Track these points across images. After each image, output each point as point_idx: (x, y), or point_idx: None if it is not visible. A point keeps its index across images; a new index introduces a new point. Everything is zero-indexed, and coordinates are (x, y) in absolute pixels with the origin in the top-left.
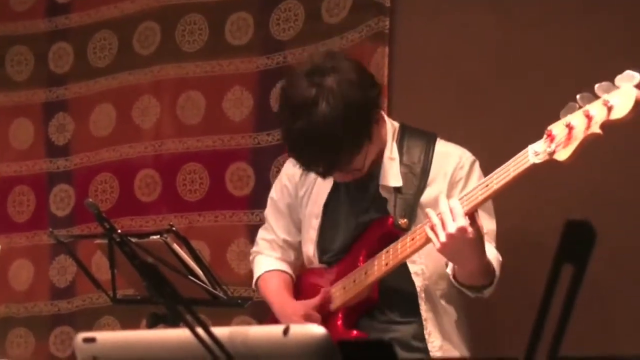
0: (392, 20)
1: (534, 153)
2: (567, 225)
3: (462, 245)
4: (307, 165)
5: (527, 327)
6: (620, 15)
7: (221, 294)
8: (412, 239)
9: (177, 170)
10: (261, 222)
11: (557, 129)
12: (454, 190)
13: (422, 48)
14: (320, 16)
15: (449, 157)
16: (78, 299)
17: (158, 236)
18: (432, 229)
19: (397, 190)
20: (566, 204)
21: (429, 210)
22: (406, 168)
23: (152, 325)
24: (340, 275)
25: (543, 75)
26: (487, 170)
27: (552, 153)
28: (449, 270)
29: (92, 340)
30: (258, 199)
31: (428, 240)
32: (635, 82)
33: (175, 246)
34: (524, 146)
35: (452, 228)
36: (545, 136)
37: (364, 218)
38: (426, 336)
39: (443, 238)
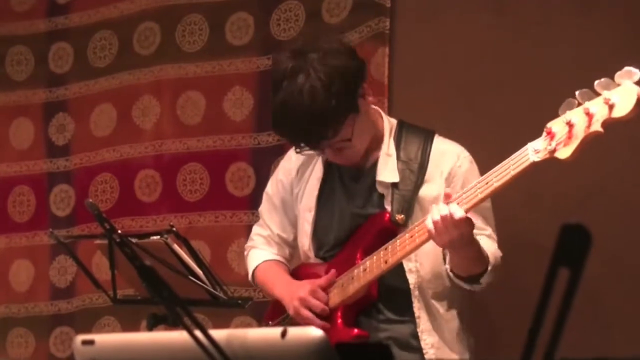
0: (392, 20)
1: (534, 151)
2: (562, 229)
3: (453, 229)
4: (293, 138)
5: (524, 330)
6: (618, 15)
7: (221, 295)
8: (411, 237)
9: (178, 171)
10: None
11: (557, 126)
12: (452, 189)
13: (422, 48)
14: (320, 16)
15: (447, 155)
16: (78, 299)
17: (158, 236)
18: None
19: (394, 185)
20: (561, 207)
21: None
22: (403, 164)
23: (152, 326)
24: (337, 271)
25: (542, 75)
26: (485, 168)
27: (552, 151)
28: (446, 264)
29: (91, 342)
30: (258, 199)
31: (427, 238)
32: (636, 78)
33: (176, 246)
34: (522, 145)
35: (445, 210)
36: (544, 134)
37: (359, 212)
38: (419, 334)
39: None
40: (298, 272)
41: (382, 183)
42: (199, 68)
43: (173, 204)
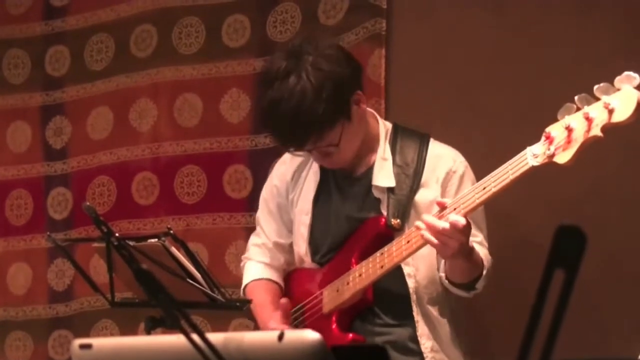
0: (388, 22)
1: (533, 155)
2: (558, 230)
3: (461, 236)
4: (278, 137)
5: (519, 332)
6: (616, 14)
7: (219, 297)
8: (408, 242)
9: (175, 173)
10: None
11: (556, 130)
12: (447, 194)
13: (419, 49)
14: (316, 18)
15: (442, 159)
16: (76, 302)
17: (156, 239)
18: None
19: (390, 190)
20: (557, 209)
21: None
22: (399, 169)
23: (149, 329)
24: (333, 276)
25: (540, 75)
26: (482, 168)
27: (551, 156)
28: (441, 272)
29: (88, 346)
30: (256, 201)
31: (424, 243)
32: (635, 83)
33: (173, 249)
34: (520, 147)
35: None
36: (543, 138)
37: (355, 216)
38: (419, 338)
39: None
40: (293, 276)
41: (378, 187)
42: (195, 70)
43: (170, 207)
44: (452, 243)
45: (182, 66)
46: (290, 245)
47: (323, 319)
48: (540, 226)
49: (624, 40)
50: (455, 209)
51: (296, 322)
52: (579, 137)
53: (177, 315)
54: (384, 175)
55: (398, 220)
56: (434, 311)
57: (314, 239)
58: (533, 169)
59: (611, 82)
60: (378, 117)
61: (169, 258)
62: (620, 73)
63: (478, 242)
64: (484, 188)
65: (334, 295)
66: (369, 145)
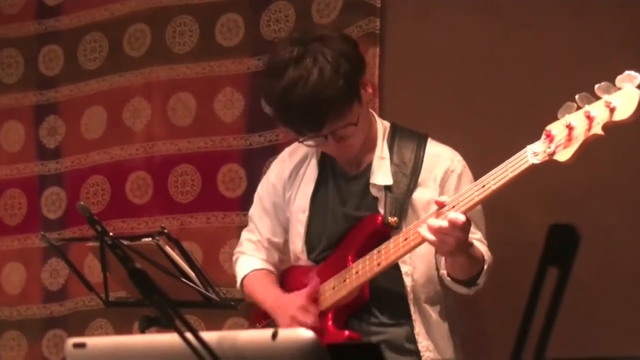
0: (382, 20)
1: (533, 153)
2: (551, 228)
3: (460, 233)
4: (298, 122)
5: (513, 329)
6: (611, 14)
7: (214, 296)
8: (405, 239)
9: (169, 172)
10: None
11: (556, 129)
12: (445, 193)
13: (413, 48)
14: (310, 17)
15: (440, 159)
16: (70, 301)
17: (150, 238)
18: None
19: (387, 188)
20: (554, 207)
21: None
22: (397, 167)
23: (144, 328)
24: (329, 273)
25: (534, 74)
26: (478, 167)
27: (552, 154)
28: (442, 269)
29: (82, 345)
30: (250, 200)
31: (421, 241)
32: (637, 82)
33: (167, 248)
34: (515, 145)
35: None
36: (544, 136)
37: (352, 214)
38: (416, 337)
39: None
40: (287, 274)
41: (376, 186)
42: (189, 69)
43: (165, 206)
44: (450, 240)
45: (176, 65)
46: (284, 244)
47: (320, 317)
48: (536, 225)
49: (620, 39)
50: (454, 207)
51: None
52: (579, 135)
53: (172, 314)
54: (381, 173)
55: (395, 219)
56: (430, 310)
57: (310, 237)
58: (533, 167)
59: (608, 81)
60: (376, 116)
61: (163, 257)
62: (617, 71)
63: (477, 239)
64: (484, 186)
65: (330, 293)
66: (368, 144)
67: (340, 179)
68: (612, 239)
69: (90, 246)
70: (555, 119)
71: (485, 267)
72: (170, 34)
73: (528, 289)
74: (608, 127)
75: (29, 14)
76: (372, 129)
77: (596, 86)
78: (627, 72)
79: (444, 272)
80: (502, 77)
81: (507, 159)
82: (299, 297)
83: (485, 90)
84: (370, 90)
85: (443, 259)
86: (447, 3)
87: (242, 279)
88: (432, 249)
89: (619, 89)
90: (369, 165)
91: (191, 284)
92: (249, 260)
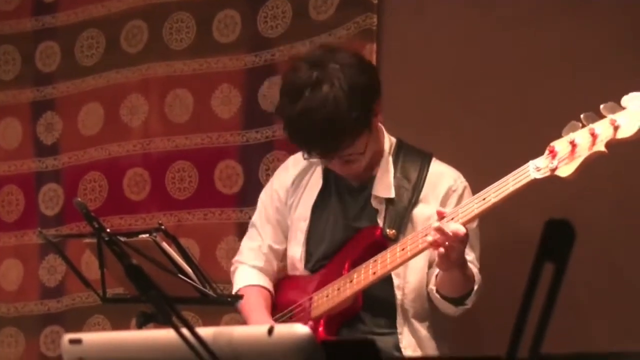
0: (379, 17)
1: (535, 168)
2: (547, 224)
3: (460, 245)
4: (310, 146)
5: (509, 325)
6: (609, 12)
7: (211, 292)
8: (403, 249)
9: (166, 169)
10: (250, 219)
11: (560, 145)
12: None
13: (410, 45)
14: (307, 13)
15: (443, 177)
16: (68, 298)
17: (147, 235)
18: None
19: (388, 201)
20: (550, 207)
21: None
22: (399, 182)
23: (141, 324)
24: (324, 282)
25: (530, 72)
26: (474, 166)
27: (554, 169)
28: (431, 285)
29: (78, 341)
30: (247, 196)
31: (419, 251)
32: None
33: (165, 245)
34: (512, 145)
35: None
36: (547, 152)
37: (352, 225)
38: (402, 350)
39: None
40: (284, 283)
41: (377, 198)
42: (186, 66)
43: (162, 202)
44: (456, 247)
45: (173, 62)
46: (285, 252)
47: (310, 324)
48: (532, 224)
49: (616, 38)
50: (453, 218)
51: None
52: (583, 151)
53: (168, 310)
54: (384, 186)
55: (394, 231)
56: (418, 325)
57: (309, 246)
58: (534, 182)
59: (604, 80)
60: (384, 131)
61: (160, 254)
62: (616, 71)
63: (469, 260)
64: (484, 199)
65: (323, 301)
66: (374, 158)
67: (343, 190)
68: (607, 239)
69: (87, 242)
70: (554, 115)
71: (476, 287)
72: (167, 31)
73: (521, 285)
74: (611, 144)
75: (25, 10)
76: (379, 143)
77: (602, 106)
78: (632, 93)
79: (432, 287)
80: (500, 73)
81: (502, 154)
82: None
83: (483, 86)
84: (381, 116)
85: (434, 275)
86: None
87: (236, 293)
88: (426, 265)
89: (624, 108)
90: (373, 178)
91: (188, 280)
92: (245, 272)
